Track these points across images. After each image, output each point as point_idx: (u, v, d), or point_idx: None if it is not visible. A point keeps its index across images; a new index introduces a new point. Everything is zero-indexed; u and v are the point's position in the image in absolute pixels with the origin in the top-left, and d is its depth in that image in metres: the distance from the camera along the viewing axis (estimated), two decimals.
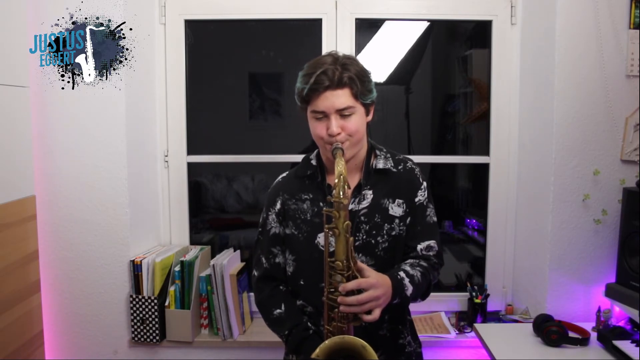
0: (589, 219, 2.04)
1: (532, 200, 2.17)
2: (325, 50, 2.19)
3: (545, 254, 2.08)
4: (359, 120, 1.40)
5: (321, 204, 1.45)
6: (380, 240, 1.44)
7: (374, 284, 1.28)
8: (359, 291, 1.27)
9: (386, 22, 2.34)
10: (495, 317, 2.21)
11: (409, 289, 1.37)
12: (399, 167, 1.51)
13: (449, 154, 2.61)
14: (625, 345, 1.73)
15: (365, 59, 2.32)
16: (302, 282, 1.48)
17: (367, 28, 2.31)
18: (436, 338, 2.10)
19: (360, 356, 1.26)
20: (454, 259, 2.55)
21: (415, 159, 2.44)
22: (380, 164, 1.48)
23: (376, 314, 1.28)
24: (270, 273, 1.52)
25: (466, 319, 2.21)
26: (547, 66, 2.04)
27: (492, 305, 2.24)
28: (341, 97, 1.35)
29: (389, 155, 1.52)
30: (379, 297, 1.28)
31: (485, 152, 2.30)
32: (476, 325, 2.06)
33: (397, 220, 1.46)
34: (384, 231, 1.44)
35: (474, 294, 2.18)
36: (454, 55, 2.57)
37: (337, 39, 2.20)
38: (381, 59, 2.40)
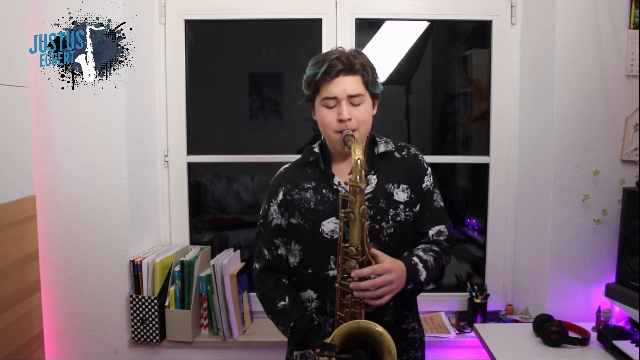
0: (589, 219, 2.04)
1: (532, 200, 2.17)
2: (325, 50, 2.18)
3: (545, 254, 2.07)
4: (368, 110, 1.42)
5: (324, 191, 1.46)
6: (385, 226, 1.44)
7: (388, 269, 1.29)
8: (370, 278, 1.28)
9: (386, 22, 2.34)
10: (495, 317, 2.21)
11: (423, 274, 1.38)
12: (402, 153, 1.52)
13: (449, 154, 2.61)
14: (625, 345, 1.73)
15: None
16: (310, 271, 1.47)
17: (367, 28, 2.31)
18: (436, 338, 2.10)
19: (376, 341, 1.24)
20: (454, 259, 2.55)
21: None
22: (381, 147, 1.50)
23: (386, 298, 1.29)
24: (273, 264, 1.52)
25: (466, 319, 2.21)
26: (547, 66, 2.04)
27: (492, 305, 2.24)
28: (353, 83, 1.38)
29: (389, 140, 1.54)
30: (392, 281, 1.29)
31: (485, 152, 2.30)
32: (476, 325, 2.06)
33: (402, 206, 1.46)
34: (389, 216, 1.44)
35: (474, 294, 2.18)
36: (454, 55, 2.57)
37: (337, 39, 2.20)
38: (381, 59, 2.40)
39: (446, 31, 2.57)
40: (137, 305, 2.05)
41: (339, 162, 1.51)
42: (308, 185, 1.49)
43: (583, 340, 1.83)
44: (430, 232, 1.49)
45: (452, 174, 2.69)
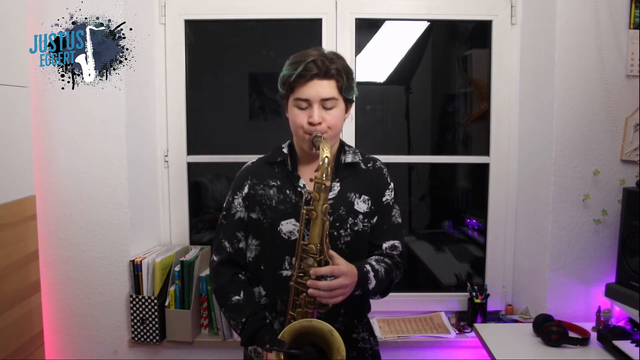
0: (589, 219, 2.04)
1: (532, 200, 2.17)
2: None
3: (545, 254, 2.07)
4: (339, 115, 1.44)
5: (288, 191, 1.48)
6: (343, 234, 1.46)
7: (344, 272, 1.31)
8: (326, 278, 1.30)
9: (386, 22, 2.34)
10: (495, 317, 2.21)
11: (372, 283, 1.40)
12: (368, 165, 1.55)
13: (449, 154, 2.61)
14: (625, 345, 1.73)
15: (365, 59, 2.33)
16: (262, 268, 1.49)
17: (367, 28, 2.31)
18: (436, 338, 2.10)
19: (325, 342, 1.26)
20: (454, 259, 2.55)
21: (415, 159, 2.49)
22: (349, 158, 1.52)
23: (338, 299, 1.31)
24: (233, 258, 1.52)
25: (466, 319, 2.21)
26: (547, 66, 2.04)
27: (492, 305, 2.24)
28: (327, 87, 1.40)
29: (357, 151, 1.56)
30: (347, 285, 1.31)
31: (485, 152, 2.30)
32: (476, 325, 2.06)
33: (361, 216, 1.48)
34: (347, 225, 1.46)
35: (474, 294, 2.18)
36: (454, 55, 2.57)
37: (337, 39, 2.20)
38: (381, 59, 2.40)
39: (446, 31, 2.57)
40: (137, 305, 2.05)
41: (306, 164, 1.51)
42: (273, 183, 1.50)
43: (583, 340, 1.83)
44: (385, 245, 1.50)
45: (452, 174, 2.69)
